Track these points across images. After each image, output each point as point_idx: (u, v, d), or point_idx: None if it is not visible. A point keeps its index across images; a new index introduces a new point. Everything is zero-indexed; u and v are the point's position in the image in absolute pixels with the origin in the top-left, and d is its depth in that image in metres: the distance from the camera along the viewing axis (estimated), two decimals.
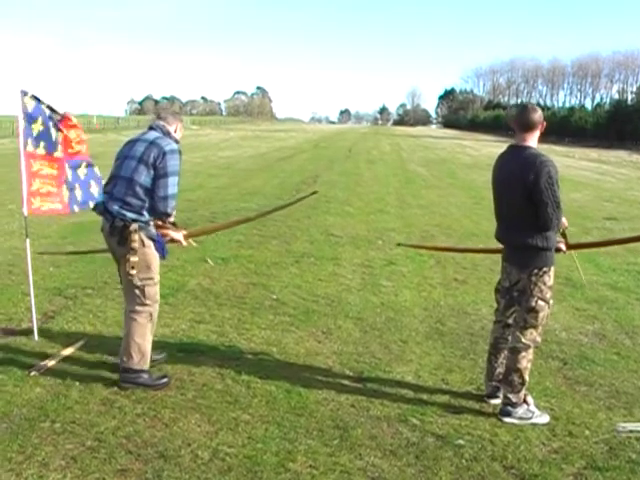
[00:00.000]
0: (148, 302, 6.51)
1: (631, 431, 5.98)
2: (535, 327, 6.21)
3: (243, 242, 13.89)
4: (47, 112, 7.53)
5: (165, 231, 6.78)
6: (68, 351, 7.25)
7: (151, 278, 6.51)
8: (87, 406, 6.00)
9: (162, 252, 6.68)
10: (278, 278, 10.93)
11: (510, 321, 6.43)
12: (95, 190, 7.88)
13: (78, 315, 8.51)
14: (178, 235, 6.96)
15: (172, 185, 6.33)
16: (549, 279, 6.17)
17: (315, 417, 6.01)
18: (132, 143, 6.54)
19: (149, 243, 6.46)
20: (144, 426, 5.70)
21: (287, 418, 5.95)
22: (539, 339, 6.33)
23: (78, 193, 7.79)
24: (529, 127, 6.15)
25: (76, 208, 7.83)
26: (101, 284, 9.98)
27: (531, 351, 6.27)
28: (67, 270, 10.82)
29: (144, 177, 6.33)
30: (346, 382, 6.84)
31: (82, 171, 7.86)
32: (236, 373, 6.90)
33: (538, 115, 6.16)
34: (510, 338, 6.41)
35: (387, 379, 6.98)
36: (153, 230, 6.53)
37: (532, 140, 6.18)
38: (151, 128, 6.64)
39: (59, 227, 14.25)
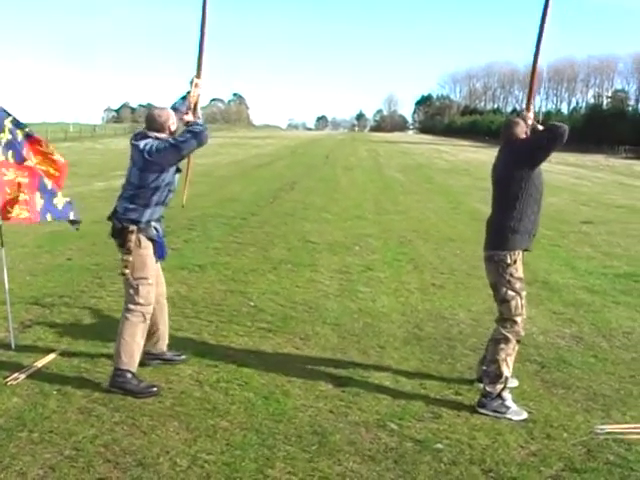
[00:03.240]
0: (141, 301, 6.58)
1: (609, 433, 6.00)
2: (511, 319, 6.41)
3: (220, 249, 13.87)
4: (10, 125, 7.46)
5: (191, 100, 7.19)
6: (45, 360, 7.20)
7: (145, 278, 6.59)
8: (65, 415, 5.97)
9: (162, 253, 6.87)
10: (256, 285, 10.91)
11: None
12: (60, 203, 7.84)
13: (55, 324, 8.46)
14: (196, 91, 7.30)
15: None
16: (515, 271, 6.43)
17: (294, 423, 6.00)
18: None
19: (147, 244, 6.60)
20: (122, 434, 5.67)
21: (265, 425, 5.94)
22: (522, 332, 6.53)
23: (50, 202, 7.72)
24: (515, 140, 6.54)
25: (49, 217, 7.77)
26: (78, 293, 9.93)
27: (511, 345, 6.42)
28: (44, 279, 10.76)
29: (137, 178, 6.53)
30: (324, 388, 6.83)
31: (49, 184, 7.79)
32: (214, 380, 6.88)
33: (520, 127, 6.53)
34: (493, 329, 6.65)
35: (365, 384, 6.96)
36: (153, 232, 6.66)
37: None
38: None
39: (35, 236, 14.17)
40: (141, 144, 6.49)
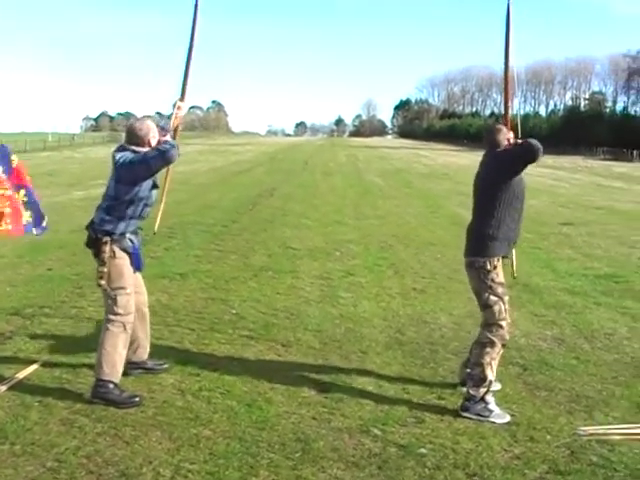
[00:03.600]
0: (120, 311, 6.56)
1: (592, 434, 6.02)
2: (496, 324, 6.45)
3: (201, 257, 13.84)
4: None
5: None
6: (26, 372, 7.15)
7: (123, 288, 6.57)
8: (47, 427, 5.92)
9: (138, 264, 6.87)
10: (237, 292, 10.89)
11: None
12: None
13: (36, 335, 8.40)
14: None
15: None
16: (496, 276, 6.49)
17: (277, 431, 5.98)
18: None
19: (122, 255, 6.59)
20: (105, 445, 5.63)
21: (249, 433, 5.92)
22: (507, 336, 6.58)
23: (34, 215, 7.66)
24: (497, 147, 6.63)
25: (34, 231, 7.71)
26: (59, 303, 9.87)
27: (497, 349, 6.46)
28: (24, 289, 10.70)
29: (113, 190, 6.58)
30: (307, 394, 6.81)
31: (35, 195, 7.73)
32: (196, 389, 6.85)
33: (502, 134, 6.63)
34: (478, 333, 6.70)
35: (348, 390, 6.95)
36: (128, 243, 6.65)
37: None
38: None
39: (15, 246, 14.07)
40: (117, 156, 6.53)
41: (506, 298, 6.54)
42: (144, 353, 7.25)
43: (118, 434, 5.83)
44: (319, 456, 5.55)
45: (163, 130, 6.93)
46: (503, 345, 6.55)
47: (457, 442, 5.87)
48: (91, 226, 6.65)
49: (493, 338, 6.42)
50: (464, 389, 6.72)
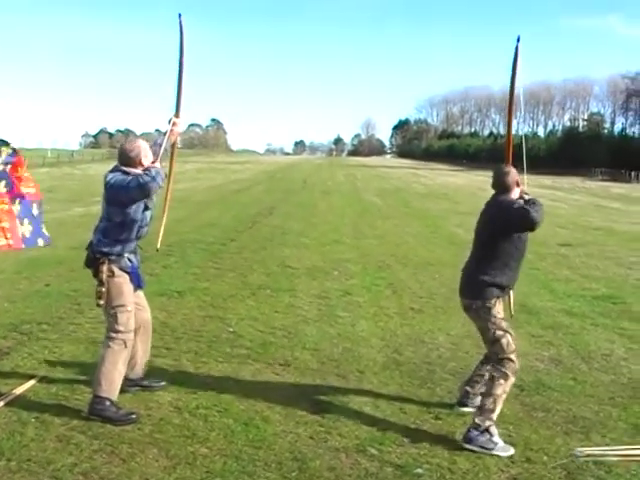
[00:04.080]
0: (121, 329, 6.59)
1: (588, 455, 6.01)
2: (506, 358, 6.37)
3: (199, 275, 13.84)
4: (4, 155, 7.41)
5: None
6: (23, 388, 7.15)
7: (123, 305, 6.62)
8: (43, 443, 5.92)
9: (138, 282, 6.93)
10: (235, 311, 10.89)
11: None
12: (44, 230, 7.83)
13: (33, 351, 8.40)
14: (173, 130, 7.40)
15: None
16: (498, 312, 6.47)
17: (273, 450, 5.98)
18: None
19: (120, 273, 6.65)
20: (101, 462, 5.63)
21: (245, 451, 5.92)
22: (518, 367, 6.50)
23: (28, 229, 7.68)
24: (505, 189, 6.56)
25: (40, 242, 7.75)
26: (56, 319, 9.87)
27: (510, 382, 6.38)
28: (22, 305, 10.70)
29: (105, 212, 6.68)
30: (304, 414, 6.81)
31: (34, 209, 7.75)
32: (194, 407, 6.85)
33: (511, 177, 6.54)
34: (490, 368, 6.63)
35: (345, 410, 6.95)
36: (127, 262, 6.71)
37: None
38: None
39: (13, 262, 14.08)
40: (107, 177, 6.60)
41: (511, 330, 6.51)
42: (140, 370, 7.26)
43: (115, 451, 5.83)
44: (315, 475, 5.55)
45: (156, 145, 6.99)
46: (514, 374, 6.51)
47: (454, 462, 5.86)
48: (90, 247, 6.74)
49: (506, 371, 6.34)
50: (461, 409, 6.72)
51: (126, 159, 6.61)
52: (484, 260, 6.50)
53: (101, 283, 6.54)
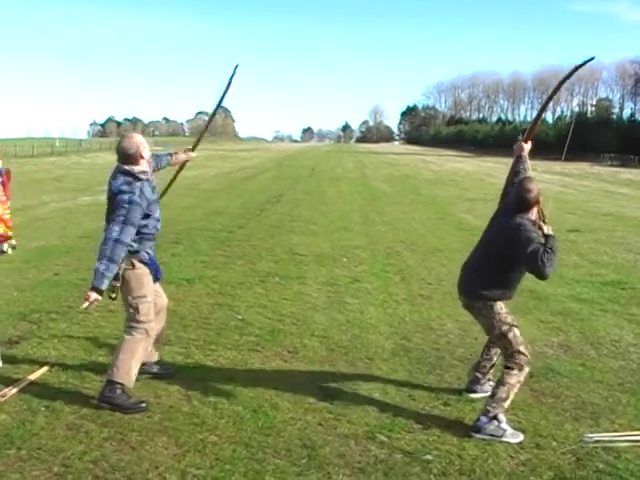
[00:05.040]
0: (142, 319, 6.63)
1: (597, 441, 6.01)
2: (517, 351, 6.31)
3: (208, 263, 13.85)
4: None
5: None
6: (33, 376, 7.16)
7: (144, 296, 6.65)
8: (53, 432, 5.94)
9: (156, 274, 6.95)
10: (243, 298, 10.90)
11: None
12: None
13: (43, 340, 8.42)
14: (184, 157, 8.01)
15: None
16: (501, 308, 6.41)
17: (283, 437, 5.99)
18: None
19: (140, 265, 6.67)
20: (111, 450, 5.65)
21: (255, 438, 5.92)
22: (529, 357, 6.42)
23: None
24: (525, 208, 6.38)
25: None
26: (66, 308, 9.89)
27: (524, 372, 6.33)
28: (31, 294, 10.73)
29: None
30: (313, 401, 6.82)
31: None
32: (203, 394, 6.86)
33: (533, 195, 6.35)
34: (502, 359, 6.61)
35: (354, 397, 6.96)
36: (145, 255, 6.71)
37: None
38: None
39: (22, 251, 14.08)
40: (112, 186, 6.56)
41: (516, 323, 6.42)
42: (154, 354, 7.30)
43: (124, 439, 5.84)
44: (325, 462, 5.56)
45: (153, 157, 7.08)
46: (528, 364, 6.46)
47: (463, 448, 5.86)
48: None
49: (520, 363, 6.29)
50: (470, 395, 6.71)
51: (126, 157, 6.58)
52: (485, 271, 6.44)
53: (116, 278, 6.50)
